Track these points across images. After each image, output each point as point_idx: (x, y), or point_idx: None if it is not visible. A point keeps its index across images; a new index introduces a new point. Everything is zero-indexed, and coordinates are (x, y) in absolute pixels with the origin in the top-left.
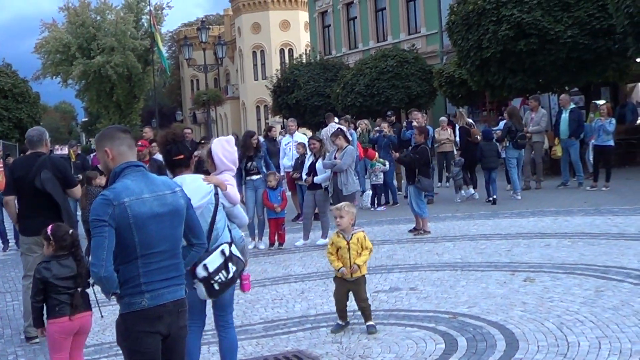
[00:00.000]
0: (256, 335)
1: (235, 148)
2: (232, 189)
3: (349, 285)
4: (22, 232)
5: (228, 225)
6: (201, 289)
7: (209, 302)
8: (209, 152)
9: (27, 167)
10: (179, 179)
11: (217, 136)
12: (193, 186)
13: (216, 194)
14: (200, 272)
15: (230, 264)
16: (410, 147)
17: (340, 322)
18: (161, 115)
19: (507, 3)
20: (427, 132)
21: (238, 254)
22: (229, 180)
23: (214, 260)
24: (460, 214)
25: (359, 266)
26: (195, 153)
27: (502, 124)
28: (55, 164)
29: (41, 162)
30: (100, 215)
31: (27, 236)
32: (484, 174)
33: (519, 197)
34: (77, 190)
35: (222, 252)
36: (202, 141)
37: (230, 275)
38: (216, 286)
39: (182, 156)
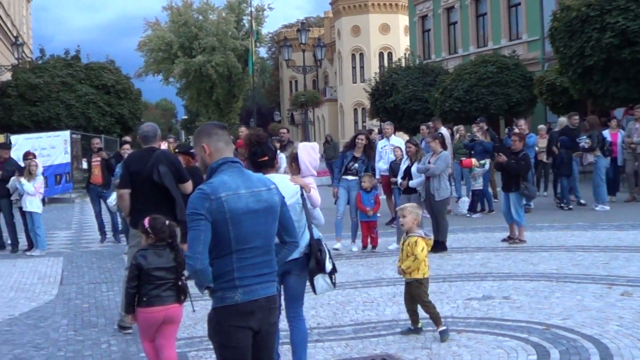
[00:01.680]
0: (346, 337)
1: (319, 155)
2: (315, 192)
3: (407, 287)
4: (134, 225)
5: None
6: (323, 283)
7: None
8: (294, 156)
9: (143, 162)
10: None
11: (314, 139)
12: (281, 186)
13: (302, 194)
14: (329, 266)
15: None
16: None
17: (410, 326)
18: (259, 115)
19: (611, 10)
20: (524, 139)
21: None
22: (312, 184)
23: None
24: (558, 224)
25: (403, 270)
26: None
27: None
28: (169, 159)
29: (157, 157)
30: (198, 209)
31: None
32: (560, 181)
33: (608, 208)
34: (189, 185)
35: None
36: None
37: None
38: (334, 279)
39: (266, 157)
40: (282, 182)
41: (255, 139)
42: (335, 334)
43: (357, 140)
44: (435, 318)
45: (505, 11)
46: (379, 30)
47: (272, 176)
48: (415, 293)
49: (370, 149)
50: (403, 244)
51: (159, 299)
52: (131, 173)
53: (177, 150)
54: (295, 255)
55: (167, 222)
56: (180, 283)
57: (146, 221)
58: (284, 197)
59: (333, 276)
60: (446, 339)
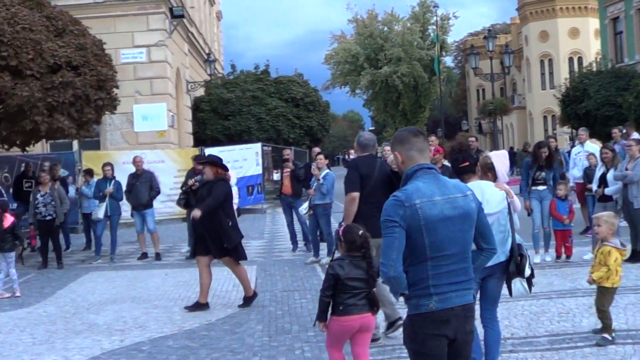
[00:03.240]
0: (541, 348)
1: (508, 162)
2: (515, 198)
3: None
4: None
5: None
6: (520, 286)
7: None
8: (490, 165)
9: (371, 167)
10: (474, 184)
11: (503, 147)
12: (490, 191)
13: (507, 200)
14: (527, 271)
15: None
16: None
17: (605, 335)
18: (447, 125)
19: None
20: None
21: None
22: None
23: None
24: None
25: (593, 280)
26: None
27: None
28: (385, 166)
29: (381, 164)
30: (392, 216)
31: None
32: None
33: None
34: None
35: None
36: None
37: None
38: (532, 284)
39: (467, 163)
40: (489, 188)
41: (458, 147)
42: (530, 344)
43: (539, 151)
44: (605, 324)
45: None
46: (568, 35)
47: (478, 183)
48: (600, 299)
49: (551, 157)
50: (597, 252)
51: (355, 307)
52: (362, 176)
53: (202, 160)
54: (502, 258)
55: (360, 232)
56: (372, 293)
57: (341, 230)
58: (480, 203)
59: (531, 281)
60: (601, 344)
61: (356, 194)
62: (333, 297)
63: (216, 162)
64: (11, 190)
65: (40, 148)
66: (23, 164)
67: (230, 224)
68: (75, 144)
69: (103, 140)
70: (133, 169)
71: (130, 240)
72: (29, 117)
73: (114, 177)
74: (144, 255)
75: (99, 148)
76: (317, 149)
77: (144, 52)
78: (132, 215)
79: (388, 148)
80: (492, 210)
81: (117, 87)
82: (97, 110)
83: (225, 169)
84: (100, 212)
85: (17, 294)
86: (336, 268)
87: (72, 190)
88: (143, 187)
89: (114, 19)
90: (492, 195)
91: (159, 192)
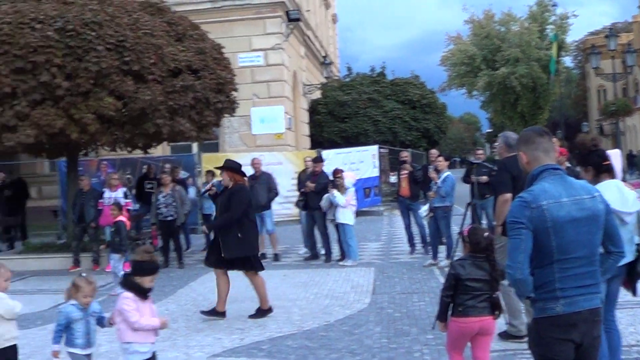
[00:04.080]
0: None
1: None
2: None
3: None
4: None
5: None
6: None
7: None
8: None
9: (518, 167)
10: (609, 183)
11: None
12: (626, 190)
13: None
14: None
15: None
16: None
17: None
18: (566, 126)
19: None
20: None
21: None
22: None
23: None
24: None
25: None
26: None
27: None
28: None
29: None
30: (518, 217)
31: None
32: None
33: None
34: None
35: None
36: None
37: None
38: None
39: (608, 162)
40: (623, 188)
41: (592, 143)
42: None
43: None
44: None
45: None
46: None
47: (614, 182)
48: None
49: None
50: None
51: (474, 309)
52: (513, 177)
53: (220, 166)
54: (630, 258)
55: (486, 234)
56: (494, 296)
57: (466, 230)
58: (608, 205)
59: None
60: None
61: (509, 195)
62: (453, 298)
63: (234, 168)
64: (133, 192)
65: (161, 150)
66: (145, 166)
67: (240, 235)
68: (195, 146)
69: (222, 143)
70: (251, 171)
71: None
72: (151, 120)
73: None
74: (263, 256)
75: (218, 150)
76: (435, 151)
77: (261, 55)
78: None
79: None
80: (631, 209)
81: (235, 90)
82: (216, 113)
83: (243, 174)
84: None
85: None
86: (457, 268)
87: (192, 191)
88: (262, 188)
89: (231, 23)
90: (629, 194)
91: (277, 194)
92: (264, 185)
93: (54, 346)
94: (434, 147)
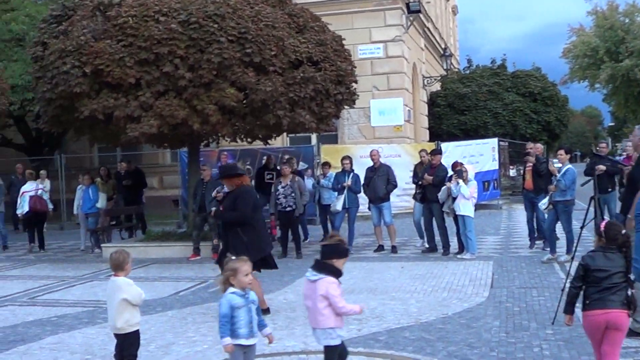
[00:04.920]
0: None
1: None
2: None
3: None
4: None
5: None
6: None
7: None
8: None
9: None
10: None
11: None
12: None
13: None
14: None
15: None
16: None
17: None
18: None
19: None
20: None
21: None
22: None
23: None
24: None
25: None
26: None
27: None
28: None
29: None
30: None
31: None
32: None
33: None
34: None
35: None
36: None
37: None
38: None
39: None
40: None
41: None
42: None
43: None
44: None
45: None
46: None
47: None
48: None
49: None
50: None
51: (600, 301)
52: None
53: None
54: None
55: (623, 231)
56: (629, 292)
57: (602, 224)
58: None
59: None
60: None
61: None
62: (583, 290)
63: (228, 175)
64: (253, 182)
65: (280, 142)
66: (264, 157)
67: (245, 239)
68: (314, 137)
69: (340, 134)
70: (369, 163)
71: (367, 233)
72: (272, 112)
73: (352, 170)
74: (381, 248)
75: (337, 142)
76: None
77: (381, 47)
78: (369, 208)
79: (630, 144)
80: None
81: (356, 82)
82: (336, 104)
83: (239, 175)
84: (339, 204)
85: None
86: (587, 259)
87: (309, 182)
88: (380, 180)
89: (351, 15)
90: None
91: (395, 186)
92: (383, 177)
93: (225, 339)
94: (555, 141)
